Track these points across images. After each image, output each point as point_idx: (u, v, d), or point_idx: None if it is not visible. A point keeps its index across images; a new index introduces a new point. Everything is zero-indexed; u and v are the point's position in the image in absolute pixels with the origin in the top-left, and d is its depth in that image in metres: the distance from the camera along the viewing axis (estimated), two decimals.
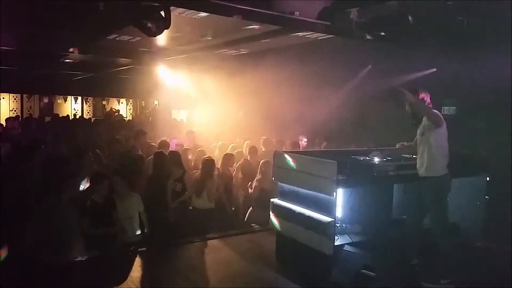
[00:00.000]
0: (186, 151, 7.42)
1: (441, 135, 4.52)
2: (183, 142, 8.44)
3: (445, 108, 9.12)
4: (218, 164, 6.78)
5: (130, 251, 5.14)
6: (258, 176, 6.55)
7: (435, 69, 9.55)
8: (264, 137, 8.22)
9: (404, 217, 5.50)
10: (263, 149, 7.86)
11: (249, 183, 6.74)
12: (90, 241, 4.84)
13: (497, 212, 5.80)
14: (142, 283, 4.52)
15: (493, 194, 5.63)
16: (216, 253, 5.43)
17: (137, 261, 5.00)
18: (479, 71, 7.55)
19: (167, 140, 8.10)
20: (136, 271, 4.77)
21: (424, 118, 4.56)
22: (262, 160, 6.70)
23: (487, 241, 5.50)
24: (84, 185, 5.57)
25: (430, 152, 4.53)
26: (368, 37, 6.86)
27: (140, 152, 7.24)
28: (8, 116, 15.83)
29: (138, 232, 5.29)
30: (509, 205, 6.00)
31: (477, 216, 5.52)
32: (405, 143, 5.17)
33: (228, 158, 6.90)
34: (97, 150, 6.82)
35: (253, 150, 7.51)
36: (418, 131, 4.68)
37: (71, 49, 10.06)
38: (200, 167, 6.39)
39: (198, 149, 7.64)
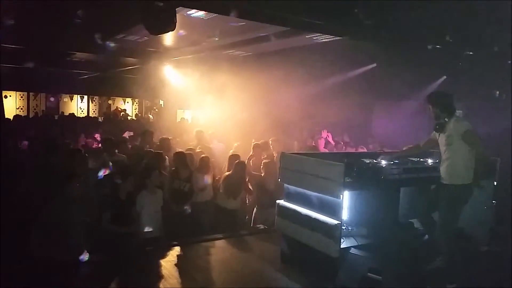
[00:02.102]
0: (192, 150, 7.41)
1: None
2: (190, 142, 8.50)
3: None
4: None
5: (136, 251, 5.15)
6: (260, 175, 6.60)
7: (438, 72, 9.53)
8: (273, 138, 8.23)
9: (411, 220, 5.50)
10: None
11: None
12: (109, 238, 4.95)
13: (504, 217, 5.77)
14: (147, 282, 4.52)
15: (500, 199, 5.60)
16: (222, 254, 5.44)
17: (142, 261, 5.01)
18: (486, 73, 7.54)
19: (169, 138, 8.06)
20: (141, 270, 4.77)
21: (451, 125, 4.46)
22: (264, 161, 6.73)
23: (494, 246, 5.46)
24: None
25: (454, 160, 4.46)
26: (376, 39, 6.86)
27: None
28: (15, 114, 15.91)
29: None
30: None
31: (484, 221, 5.48)
32: (412, 146, 5.15)
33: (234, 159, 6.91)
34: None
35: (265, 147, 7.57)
36: (442, 138, 4.57)
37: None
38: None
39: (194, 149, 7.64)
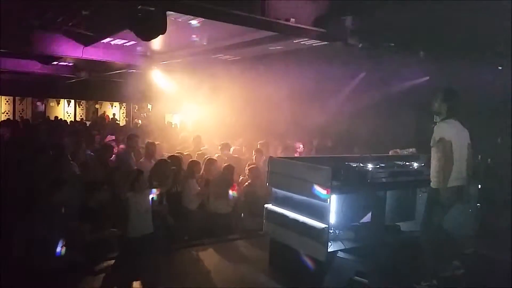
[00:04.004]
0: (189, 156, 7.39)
1: (445, 148, 4.30)
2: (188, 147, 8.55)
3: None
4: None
5: (124, 257, 5.11)
6: (247, 181, 6.58)
7: (427, 78, 9.66)
8: (261, 142, 8.28)
9: (397, 224, 5.55)
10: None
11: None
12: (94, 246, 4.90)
13: (488, 220, 5.85)
14: None
15: (484, 202, 5.68)
16: (210, 259, 5.41)
17: (131, 267, 4.97)
18: (472, 78, 7.64)
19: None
20: (130, 277, 4.73)
21: (435, 128, 4.44)
22: (250, 166, 6.72)
23: (478, 248, 5.54)
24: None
25: (433, 164, 4.49)
26: (362, 44, 6.91)
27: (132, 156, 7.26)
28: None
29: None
30: (500, 212, 6.05)
31: (469, 223, 5.56)
32: (398, 151, 5.20)
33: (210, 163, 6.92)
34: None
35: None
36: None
37: None
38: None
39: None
